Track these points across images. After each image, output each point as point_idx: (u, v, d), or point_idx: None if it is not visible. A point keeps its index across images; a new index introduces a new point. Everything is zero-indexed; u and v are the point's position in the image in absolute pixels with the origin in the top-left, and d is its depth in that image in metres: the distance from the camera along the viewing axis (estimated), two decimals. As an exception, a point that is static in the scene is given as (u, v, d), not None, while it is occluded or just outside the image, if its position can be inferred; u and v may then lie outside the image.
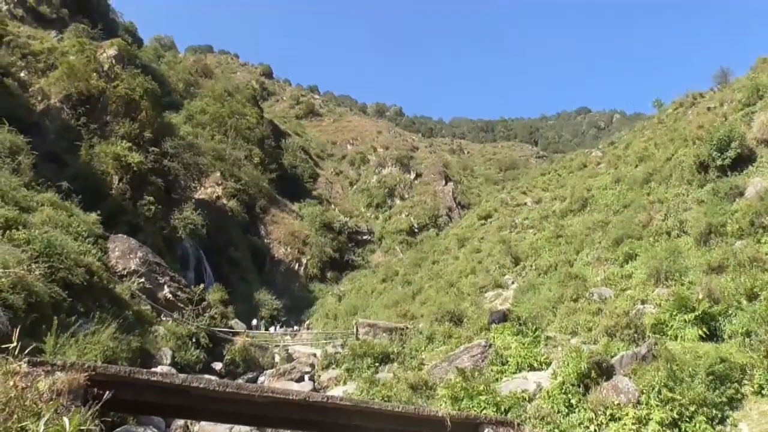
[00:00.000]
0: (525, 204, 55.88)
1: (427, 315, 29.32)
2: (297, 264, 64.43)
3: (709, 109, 38.57)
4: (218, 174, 57.70)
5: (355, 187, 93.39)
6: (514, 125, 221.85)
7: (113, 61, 40.07)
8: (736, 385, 12.08)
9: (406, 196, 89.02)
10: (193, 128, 62.20)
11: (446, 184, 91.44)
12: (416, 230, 78.34)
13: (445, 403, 14.57)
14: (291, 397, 7.56)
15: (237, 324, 30.90)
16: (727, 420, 11.40)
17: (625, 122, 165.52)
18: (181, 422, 16.30)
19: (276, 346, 29.99)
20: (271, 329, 39.68)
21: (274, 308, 48.45)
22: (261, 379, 23.67)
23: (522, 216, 50.09)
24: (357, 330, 27.93)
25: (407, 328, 28.11)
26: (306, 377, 24.09)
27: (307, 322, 45.21)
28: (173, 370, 18.23)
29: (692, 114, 41.51)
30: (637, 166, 40.49)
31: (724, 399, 11.73)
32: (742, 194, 25.15)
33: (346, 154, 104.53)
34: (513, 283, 32.46)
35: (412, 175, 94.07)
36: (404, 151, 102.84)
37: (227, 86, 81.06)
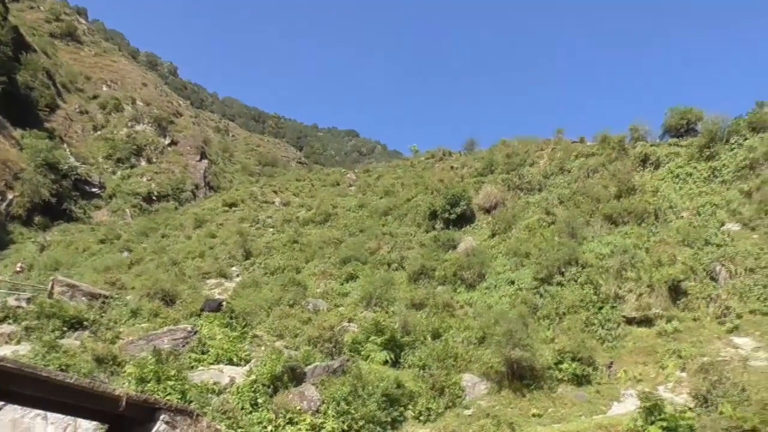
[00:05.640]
0: (273, 203, 56.34)
1: (139, 288, 27.56)
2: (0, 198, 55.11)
3: (452, 168, 43.81)
4: None
5: (99, 133, 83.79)
6: (285, 125, 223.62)
7: None
8: (402, 408, 13.67)
9: (155, 160, 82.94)
10: None
11: (201, 160, 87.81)
12: (154, 198, 73.38)
13: (130, 382, 13.75)
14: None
15: None
16: (387, 438, 12.78)
17: (384, 155, 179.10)
18: None
19: (-62, 285, 25.01)
20: (-60, 264, 33.13)
21: (-50, 240, 40.62)
22: None
23: (267, 213, 50.45)
24: (53, 287, 24.89)
25: (113, 297, 25.99)
26: (-31, 327, 20.45)
27: (18, 265, 38.40)
28: None
29: (438, 167, 46.60)
30: (382, 198, 43.93)
31: (390, 419, 13.16)
32: (455, 247, 29.06)
33: (99, 95, 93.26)
34: (238, 276, 32.34)
35: (167, 141, 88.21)
36: (166, 113, 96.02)
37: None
